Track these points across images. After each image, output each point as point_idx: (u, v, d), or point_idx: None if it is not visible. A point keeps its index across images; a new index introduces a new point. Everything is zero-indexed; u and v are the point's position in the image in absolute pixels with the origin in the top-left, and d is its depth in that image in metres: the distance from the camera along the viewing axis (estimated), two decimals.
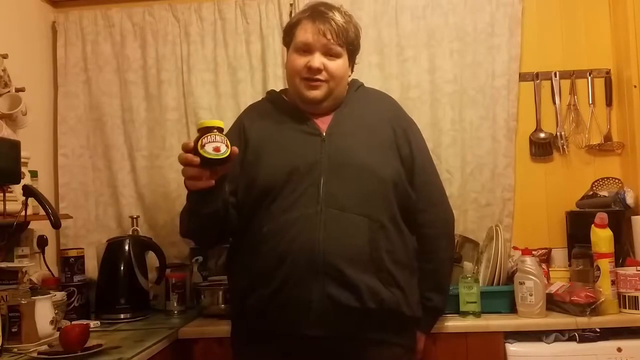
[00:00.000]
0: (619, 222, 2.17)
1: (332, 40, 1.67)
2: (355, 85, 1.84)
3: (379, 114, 1.78)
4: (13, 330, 1.69)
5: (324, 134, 1.69)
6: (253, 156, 1.69)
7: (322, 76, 1.68)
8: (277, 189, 1.62)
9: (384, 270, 1.61)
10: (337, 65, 1.70)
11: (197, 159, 1.42)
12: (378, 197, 1.64)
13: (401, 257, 1.66)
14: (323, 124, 1.72)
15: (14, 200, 1.91)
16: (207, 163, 1.42)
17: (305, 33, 1.69)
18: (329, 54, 1.68)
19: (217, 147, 1.41)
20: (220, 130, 1.44)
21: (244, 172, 1.68)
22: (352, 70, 1.80)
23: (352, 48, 1.74)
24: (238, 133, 1.76)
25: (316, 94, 1.70)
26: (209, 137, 1.41)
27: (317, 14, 1.69)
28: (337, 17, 1.69)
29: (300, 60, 1.69)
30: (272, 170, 1.65)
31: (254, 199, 1.65)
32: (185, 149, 1.44)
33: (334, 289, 1.55)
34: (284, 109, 1.78)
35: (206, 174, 1.46)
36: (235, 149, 1.46)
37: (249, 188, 1.66)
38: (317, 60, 1.67)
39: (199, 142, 1.41)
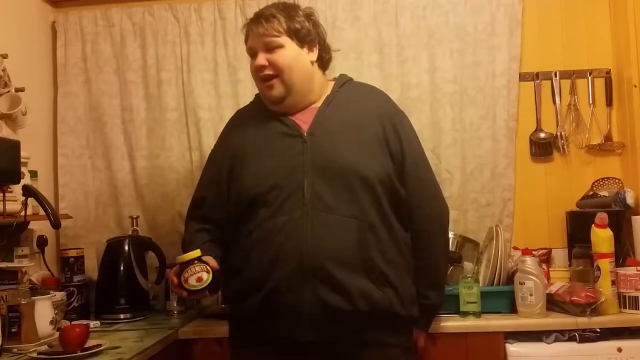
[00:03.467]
0: (619, 222, 2.17)
1: (265, 36, 1.69)
2: (341, 81, 1.81)
3: (367, 109, 1.75)
4: (13, 330, 1.69)
5: (305, 135, 1.67)
6: (239, 166, 1.71)
7: (270, 70, 1.70)
8: (262, 196, 1.63)
9: (375, 270, 1.60)
10: (280, 55, 1.69)
11: (185, 293, 1.58)
12: (365, 197, 1.62)
13: (393, 255, 1.65)
14: (305, 124, 1.70)
15: (13, 200, 1.90)
16: (194, 293, 1.58)
17: (250, 39, 1.75)
18: (269, 48, 1.70)
19: (200, 277, 1.57)
20: (199, 259, 1.59)
21: (233, 183, 1.71)
22: (324, 56, 1.79)
23: (297, 34, 1.71)
24: (223, 147, 1.81)
25: (273, 93, 1.71)
26: (190, 270, 1.57)
27: (254, 17, 1.75)
28: (272, 11, 1.72)
29: (252, 65, 1.74)
30: (255, 179, 1.66)
31: (243, 207, 1.66)
32: (173, 284, 1.61)
33: (325, 292, 1.55)
34: (267, 111, 1.77)
35: (202, 293, 1.60)
36: (215, 265, 1.60)
37: (237, 197, 1.69)
38: (260, 59, 1.70)
39: (182, 278, 1.57)
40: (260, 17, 1.71)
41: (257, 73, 1.72)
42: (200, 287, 1.55)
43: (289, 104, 1.72)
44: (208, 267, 1.57)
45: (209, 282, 1.56)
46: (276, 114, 1.74)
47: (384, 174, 1.67)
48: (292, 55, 1.71)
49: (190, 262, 1.57)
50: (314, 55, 1.76)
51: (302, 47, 1.72)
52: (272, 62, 1.69)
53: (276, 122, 1.72)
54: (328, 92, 1.77)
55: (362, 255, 1.58)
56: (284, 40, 1.70)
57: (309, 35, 1.74)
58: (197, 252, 1.59)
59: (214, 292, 1.78)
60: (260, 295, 1.59)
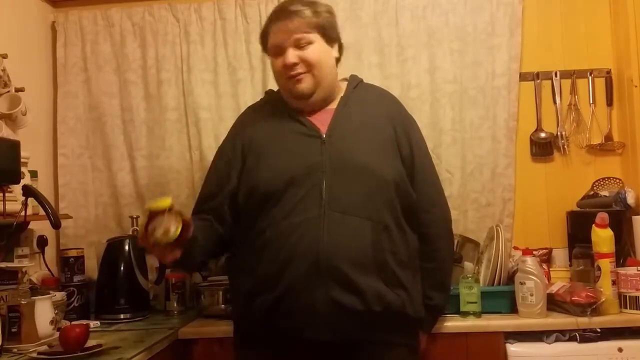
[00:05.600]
0: (619, 222, 2.17)
1: (297, 32, 1.66)
2: (354, 82, 1.81)
3: (380, 111, 1.76)
4: (13, 330, 1.69)
5: (324, 136, 1.67)
6: (253, 162, 1.69)
7: (301, 68, 1.67)
8: (278, 194, 1.61)
9: (388, 271, 1.60)
10: (312, 50, 1.68)
11: (149, 244, 1.46)
12: (380, 198, 1.63)
13: (404, 257, 1.65)
14: (322, 124, 1.70)
15: (13, 200, 1.90)
16: (158, 247, 1.46)
17: (274, 35, 1.70)
18: (300, 45, 1.67)
19: (167, 229, 1.43)
20: (170, 209, 1.44)
21: (245, 178, 1.69)
22: (339, 53, 1.78)
23: (325, 31, 1.71)
24: (233, 142, 1.78)
25: (303, 87, 1.68)
26: (156, 221, 1.44)
27: (278, 13, 1.71)
28: (298, 7, 1.68)
29: (278, 62, 1.70)
30: (272, 175, 1.64)
31: (256, 203, 1.65)
32: (140, 236, 1.49)
33: (339, 293, 1.54)
34: (282, 109, 1.76)
35: (169, 249, 1.49)
36: (188, 219, 1.47)
37: (250, 193, 1.66)
38: (290, 56, 1.67)
39: (147, 230, 1.44)
40: (289, 13, 1.67)
41: (287, 71, 1.68)
42: (166, 241, 1.41)
43: (316, 99, 1.71)
44: (179, 218, 1.44)
45: (175, 236, 1.42)
46: (293, 113, 1.73)
47: (399, 177, 1.68)
48: (323, 51, 1.70)
49: (161, 212, 1.43)
50: (336, 52, 1.76)
51: (327, 43, 1.72)
52: (303, 58, 1.67)
53: (293, 121, 1.72)
54: (342, 93, 1.77)
55: (376, 256, 1.59)
56: (314, 36, 1.69)
57: (333, 31, 1.75)
58: (167, 201, 1.44)
59: (188, 265, 1.59)
60: (274, 295, 1.58)
